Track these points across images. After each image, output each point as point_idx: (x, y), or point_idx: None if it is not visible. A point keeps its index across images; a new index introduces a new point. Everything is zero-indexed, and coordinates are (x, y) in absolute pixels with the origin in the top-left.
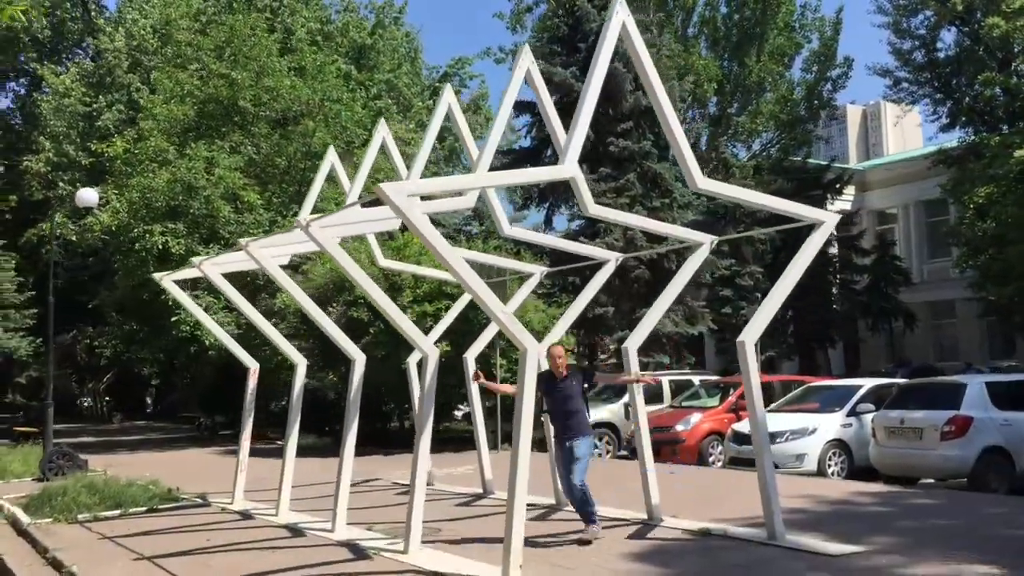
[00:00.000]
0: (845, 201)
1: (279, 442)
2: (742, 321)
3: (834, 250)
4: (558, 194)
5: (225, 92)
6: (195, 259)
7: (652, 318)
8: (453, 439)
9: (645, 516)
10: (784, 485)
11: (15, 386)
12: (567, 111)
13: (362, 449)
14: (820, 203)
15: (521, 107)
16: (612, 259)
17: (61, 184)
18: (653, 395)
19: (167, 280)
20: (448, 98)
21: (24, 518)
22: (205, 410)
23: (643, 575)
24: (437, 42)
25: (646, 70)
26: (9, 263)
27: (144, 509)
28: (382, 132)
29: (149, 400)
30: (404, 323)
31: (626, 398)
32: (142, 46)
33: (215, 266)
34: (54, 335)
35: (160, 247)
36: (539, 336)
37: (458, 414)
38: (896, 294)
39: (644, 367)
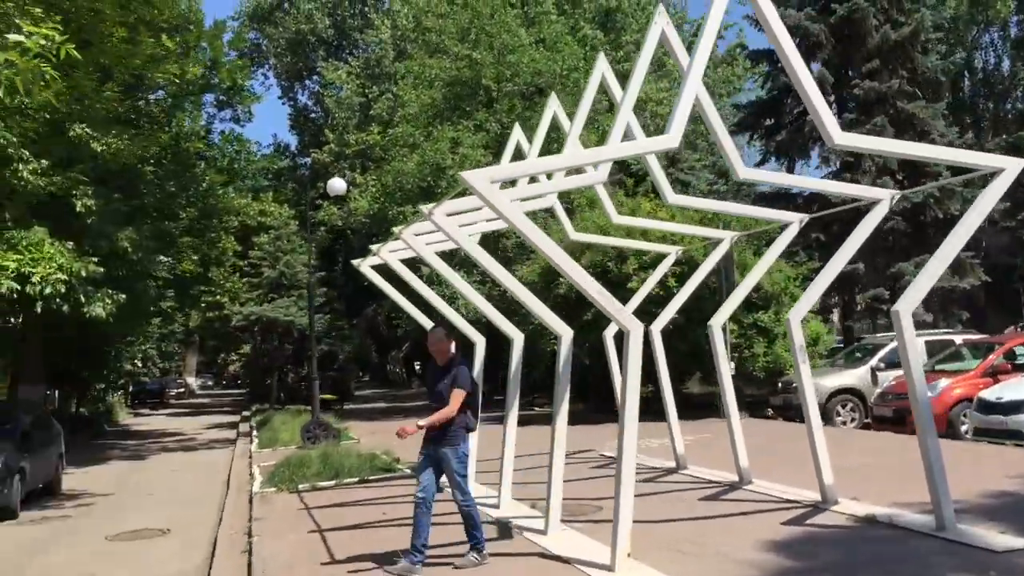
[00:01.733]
0: None
1: (538, 408)
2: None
3: None
4: (797, 146)
5: (468, 73)
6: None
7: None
8: (693, 406)
9: (819, 497)
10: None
11: (309, 359)
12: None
13: (596, 418)
14: None
15: (758, 56)
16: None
17: (344, 171)
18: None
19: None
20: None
21: (255, 487)
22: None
23: (770, 566)
24: None
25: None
26: (302, 248)
27: (356, 480)
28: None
29: None
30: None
31: (874, 361)
32: (405, 35)
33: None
34: (359, 311)
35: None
36: (777, 298)
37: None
38: None
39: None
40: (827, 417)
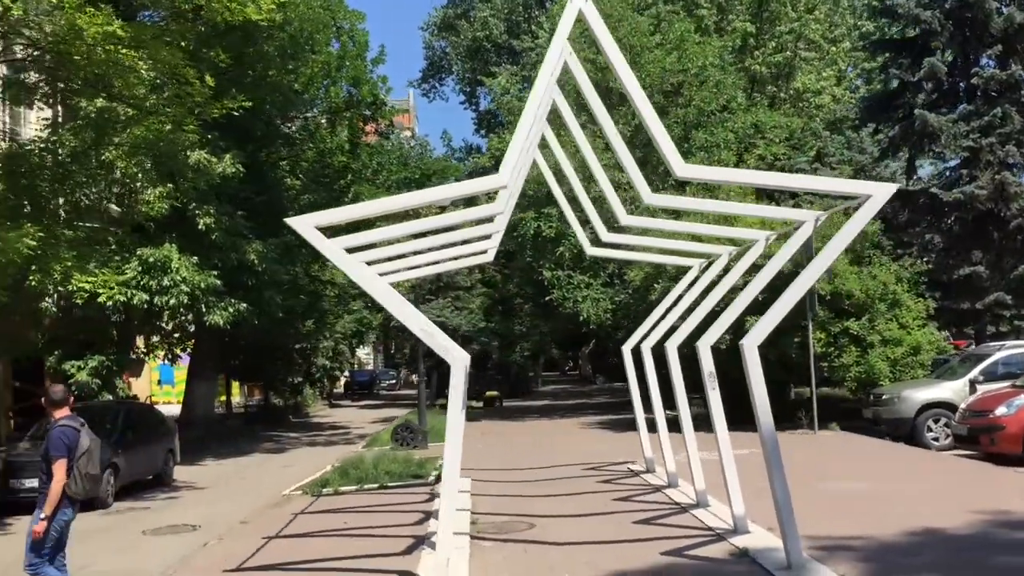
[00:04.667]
0: None
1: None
2: None
3: None
4: (913, 140)
5: (595, 76)
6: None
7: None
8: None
9: (731, 526)
10: None
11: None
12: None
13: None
14: None
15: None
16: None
17: None
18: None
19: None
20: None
21: (288, 489)
22: None
23: None
24: None
25: None
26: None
27: (376, 486)
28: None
29: None
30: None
31: (973, 373)
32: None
33: None
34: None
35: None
36: (870, 305)
37: None
38: None
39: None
40: (915, 433)
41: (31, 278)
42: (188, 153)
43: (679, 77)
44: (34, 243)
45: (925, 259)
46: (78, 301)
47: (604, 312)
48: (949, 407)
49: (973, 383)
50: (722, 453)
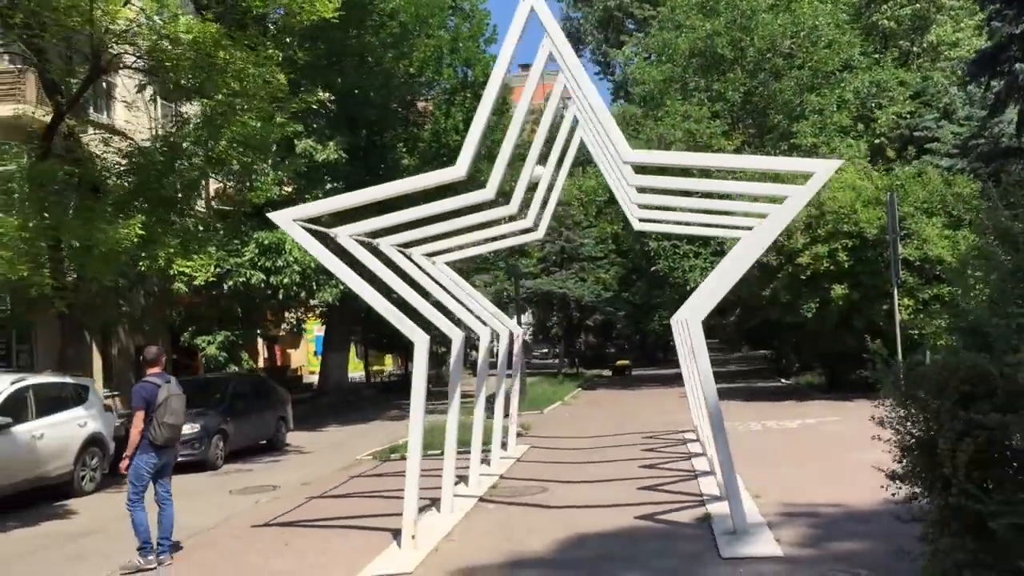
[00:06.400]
0: None
1: None
2: None
3: None
4: (1021, 96)
5: (702, 44)
6: None
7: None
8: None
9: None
10: None
11: (585, 328)
12: None
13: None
14: None
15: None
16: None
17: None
18: None
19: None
20: None
21: (362, 454)
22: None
23: (552, 549)
24: None
25: None
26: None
27: (439, 452)
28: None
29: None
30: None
31: None
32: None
33: None
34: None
35: None
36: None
37: None
38: None
39: None
40: None
41: (140, 264)
42: (296, 142)
43: (791, 40)
44: (143, 232)
45: None
46: (180, 284)
47: None
48: None
49: None
50: (707, 420)
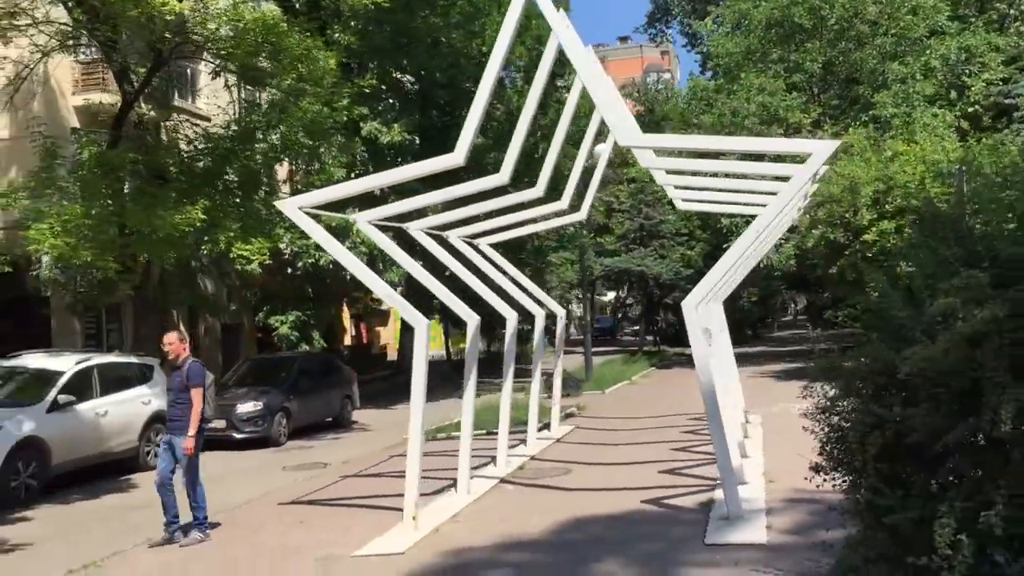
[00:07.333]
0: None
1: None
2: None
3: None
4: None
5: (779, 14)
6: None
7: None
8: None
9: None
10: None
11: (664, 307)
12: None
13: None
14: None
15: None
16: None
17: None
18: None
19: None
20: None
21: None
22: None
23: (546, 532)
24: None
25: None
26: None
27: (484, 432)
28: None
29: None
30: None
31: None
32: None
33: None
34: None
35: None
36: None
37: None
38: None
39: None
40: None
41: (203, 247)
42: (362, 125)
43: (875, 5)
44: (204, 217)
45: None
46: (238, 267)
47: (788, 259)
48: None
49: None
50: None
